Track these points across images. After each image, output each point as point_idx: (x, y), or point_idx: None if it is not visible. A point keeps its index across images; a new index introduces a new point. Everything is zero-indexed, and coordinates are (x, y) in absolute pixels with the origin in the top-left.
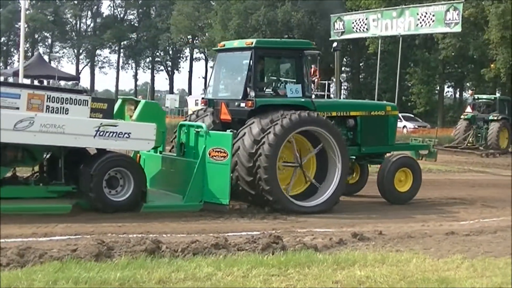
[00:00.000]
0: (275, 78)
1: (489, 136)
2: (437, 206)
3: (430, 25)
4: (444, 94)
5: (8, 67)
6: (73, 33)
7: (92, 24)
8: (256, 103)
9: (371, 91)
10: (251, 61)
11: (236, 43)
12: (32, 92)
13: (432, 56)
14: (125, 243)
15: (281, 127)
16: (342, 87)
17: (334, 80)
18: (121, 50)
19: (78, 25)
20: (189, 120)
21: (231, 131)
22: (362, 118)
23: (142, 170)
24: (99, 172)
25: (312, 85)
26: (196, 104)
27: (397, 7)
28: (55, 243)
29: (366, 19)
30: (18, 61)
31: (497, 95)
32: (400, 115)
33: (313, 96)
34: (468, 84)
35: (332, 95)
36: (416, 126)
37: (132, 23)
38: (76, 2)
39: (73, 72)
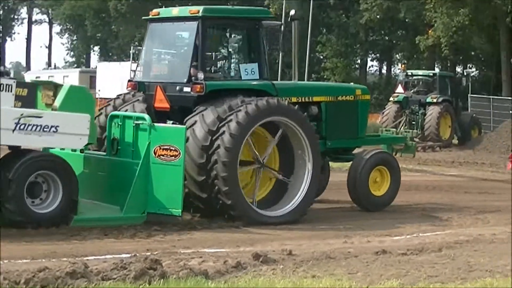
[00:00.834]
0: (226, 55)
1: (427, 124)
2: (362, 217)
3: None
4: (367, 69)
5: None
6: None
7: None
8: (206, 87)
9: (272, 65)
10: (197, 35)
11: (175, 11)
12: None
13: (352, 20)
14: None
15: (245, 115)
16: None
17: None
18: None
19: None
20: (113, 107)
21: (173, 123)
22: (328, 105)
23: (73, 174)
24: (20, 177)
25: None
26: None
27: None
28: None
29: None
30: None
31: (437, 70)
32: None
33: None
34: (398, 56)
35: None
36: None
37: None
38: None
39: None
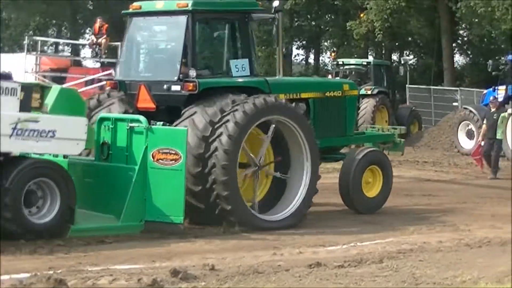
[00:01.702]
0: (215, 51)
1: (361, 119)
2: (292, 226)
3: None
4: (292, 58)
5: None
6: None
7: None
8: (199, 86)
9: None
10: (187, 30)
11: (160, 5)
12: None
13: (272, 3)
14: None
15: (243, 114)
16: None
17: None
18: None
19: None
20: (89, 107)
21: (163, 124)
22: (316, 101)
23: (71, 180)
24: (18, 185)
25: (99, 48)
26: None
27: None
28: None
29: None
30: None
31: (370, 59)
32: None
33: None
34: (327, 43)
35: None
36: None
37: None
38: None
39: None
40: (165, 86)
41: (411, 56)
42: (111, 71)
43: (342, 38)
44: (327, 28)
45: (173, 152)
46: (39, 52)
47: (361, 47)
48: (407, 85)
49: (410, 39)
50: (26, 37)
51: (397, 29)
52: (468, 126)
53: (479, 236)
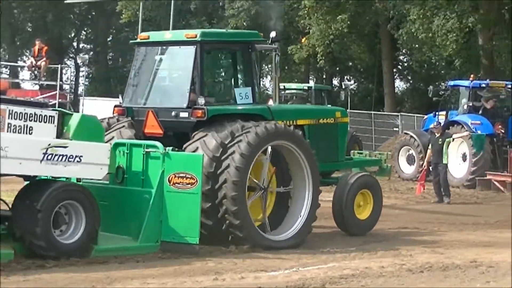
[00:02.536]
0: (221, 80)
1: None
2: (232, 250)
3: None
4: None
5: None
6: None
7: None
8: (208, 112)
9: (124, 78)
10: (195, 59)
11: (168, 35)
12: None
13: (215, 27)
14: None
15: (256, 136)
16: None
17: (272, 79)
18: None
19: None
20: None
21: (172, 149)
22: (311, 128)
23: (96, 203)
24: (48, 207)
25: (39, 70)
26: None
27: None
28: None
29: None
30: None
31: (311, 83)
32: None
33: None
34: (268, 67)
35: None
36: None
37: None
38: None
39: None
40: (173, 113)
41: (352, 81)
42: (53, 93)
43: (283, 63)
44: (267, 53)
45: (189, 176)
46: None
47: (302, 72)
48: (348, 110)
49: (351, 64)
50: None
51: (338, 54)
52: (409, 151)
53: (421, 261)
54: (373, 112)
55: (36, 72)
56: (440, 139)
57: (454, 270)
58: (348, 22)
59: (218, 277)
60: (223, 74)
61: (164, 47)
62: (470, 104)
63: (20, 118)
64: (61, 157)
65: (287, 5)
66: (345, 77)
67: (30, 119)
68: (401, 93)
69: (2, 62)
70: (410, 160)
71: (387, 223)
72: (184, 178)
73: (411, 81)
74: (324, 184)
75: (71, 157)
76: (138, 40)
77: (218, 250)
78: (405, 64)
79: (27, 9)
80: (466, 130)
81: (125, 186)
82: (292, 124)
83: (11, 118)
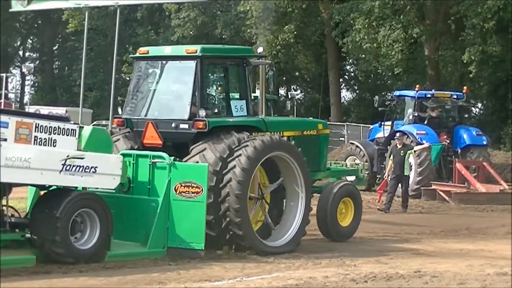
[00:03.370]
0: (218, 93)
1: None
2: (179, 261)
3: None
4: None
5: None
6: None
7: None
8: (209, 124)
9: (71, 88)
10: (196, 73)
11: (168, 50)
12: (21, 120)
13: (162, 36)
14: None
15: (254, 150)
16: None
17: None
18: None
19: None
20: None
21: (174, 159)
22: (296, 139)
23: (110, 211)
24: (66, 215)
25: None
26: None
27: None
28: None
29: None
30: None
31: (257, 93)
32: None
33: None
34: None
35: None
36: None
37: None
38: None
39: None
40: (173, 124)
41: (299, 91)
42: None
43: None
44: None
45: (195, 186)
46: None
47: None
48: None
49: (297, 74)
50: None
51: (284, 64)
52: (354, 160)
53: (365, 271)
54: None
55: None
56: (402, 151)
57: (398, 280)
58: (295, 32)
59: (162, 285)
60: (220, 87)
61: (164, 62)
62: (416, 114)
63: (45, 131)
64: (78, 167)
65: (234, 14)
66: (292, 86)
67: (54, 132)
68: (347, 103)
69: None
70: None
71: None
72: (190, 187)
73: (357, 91)
74: None
75: (87, 167)
76: (138, 54)
77: (162, 261)
78: (352, 74)
79: None
80: (412, 141)
81: (131, 195)
82: (282, 136)
83: (38, 131)
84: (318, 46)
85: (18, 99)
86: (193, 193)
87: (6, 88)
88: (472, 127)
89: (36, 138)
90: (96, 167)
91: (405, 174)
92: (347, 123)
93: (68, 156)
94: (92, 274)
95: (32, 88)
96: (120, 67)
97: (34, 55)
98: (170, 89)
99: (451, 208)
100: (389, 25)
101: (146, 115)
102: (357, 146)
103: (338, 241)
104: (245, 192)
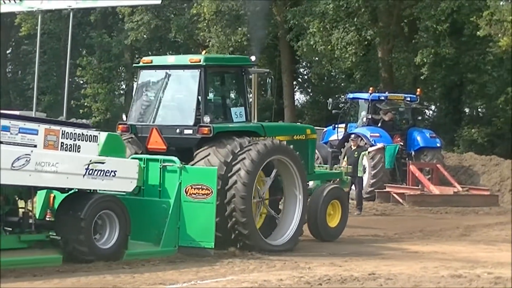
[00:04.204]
0: (220, 100)
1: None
2: (132, 263)
3: None
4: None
5: None
6: None
7: None
8: (213, 130)
9: (24, 91)
10: (200, 81)
11: (172, 60)
12: (49, 127)
13: (115, 40)
14: None
15: (257, 153)
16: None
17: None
18: None
19: None
20: None
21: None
22: (288, 143)
23: (128, 213)
24: (90, 216)
25: None
26: None
27: None
28: None
29: None
30: None
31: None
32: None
33: None
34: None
35: None
36: None
37: None
38: None
39: None
40: (178, 130)
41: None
42: None
43: None
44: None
45: (205, 188)
46: None
47: None
48: None
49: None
50: None
51: None
52: None
53: (319, 273)
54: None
55: None
56: (356, 152)
57: (352, 282)
58: (248, 35)
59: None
60: (221, 94)
61: (168, 71)
62: (369, 117)
63: (71, 138)
64: (99, 172)
65: (187, 18)
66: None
67: (79, 138)
68: (301, 105)
69: None
70: None
71: None
72: (200, 189)
73: (311, 94)
74: None
75: (108, 172)
76: (141, 64)
77: (115, 264)
78: (305, 77)
79: None
80: (366, 143)
81: (142, 197)
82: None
83: (64, 138)
84: (272, 49)
85: None
86: (203, 194)
87: None
88: (425, 129)
89: (62, 144)
90: (116, 171)
91: (358, 175)
92: None
93: (90, 161)
94: (46, 277)
95: None
96: (73, 71)
97: None
98: (174, 96)
99: (405, 211)
100: (342, 27)
101: (150, 121)
102: None
103: (326, 241)
104: (249, 194)
